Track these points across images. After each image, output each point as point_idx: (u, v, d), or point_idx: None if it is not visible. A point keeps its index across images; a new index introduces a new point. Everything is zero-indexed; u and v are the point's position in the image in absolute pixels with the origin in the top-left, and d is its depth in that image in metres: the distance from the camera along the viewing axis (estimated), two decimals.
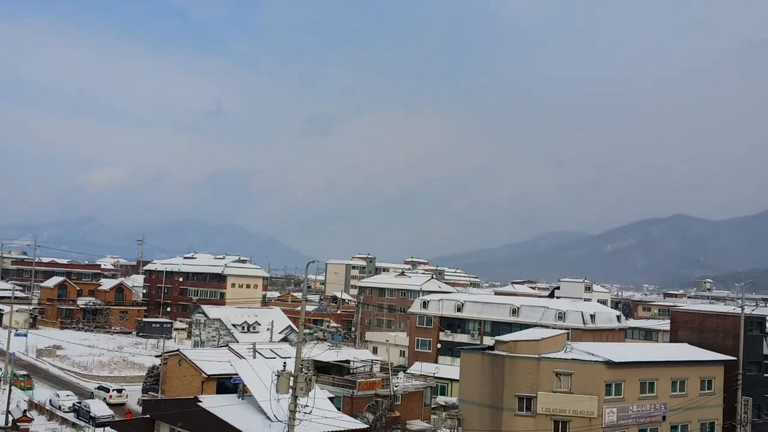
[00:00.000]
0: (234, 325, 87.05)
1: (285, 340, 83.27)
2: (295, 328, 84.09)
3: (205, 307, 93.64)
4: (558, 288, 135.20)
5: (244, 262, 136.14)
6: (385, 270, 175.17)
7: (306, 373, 33.46)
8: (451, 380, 71.65)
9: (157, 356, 69.24)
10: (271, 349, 64.12)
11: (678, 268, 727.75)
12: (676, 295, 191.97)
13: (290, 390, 32.99)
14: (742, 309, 60.33)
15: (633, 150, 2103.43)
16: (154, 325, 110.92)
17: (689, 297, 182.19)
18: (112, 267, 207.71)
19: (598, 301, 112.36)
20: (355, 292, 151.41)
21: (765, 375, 60.06)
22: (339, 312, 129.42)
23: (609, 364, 49.57)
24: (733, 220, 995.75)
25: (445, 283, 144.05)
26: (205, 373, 55.21)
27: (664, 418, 52.31)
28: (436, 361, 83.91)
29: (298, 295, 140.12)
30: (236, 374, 45.42)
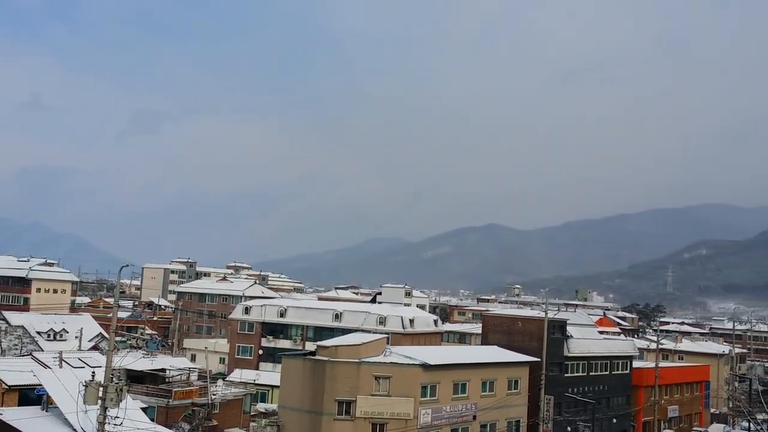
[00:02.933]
0: (39, 333, 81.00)
1: (96, 348, 78.57)
2: (107, 335, 79.68)
3: (7, 314, 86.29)
4: (380, 293, 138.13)
5: (51, 265, 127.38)
6: (207, 275, 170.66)
7: (117, 383, 32.30)
8: (273, 387, 70.93)
9: None
10: (80, 358, 60.16)
11: (491, 274, 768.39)
12: (488, 300, 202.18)
13: (99, 401, 31.53)
14: (546, 313, 64.76)
15: (454, 161, 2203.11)
16: None
17: (500, 302, 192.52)
18: None
19: (418, 306, 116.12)
20: (173, 297, 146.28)
21: (565, 375, 64.77)
22: (155, 318, 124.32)
23: (425, 366, 51.30)
24: (541, 230, 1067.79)
25: (269, 288, 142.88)
26: (6, 384, 50.84)
27: (474, 417, 54.90)
28: (257, 368, 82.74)
29: (111, 300, 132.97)
30: (40, 385, 42.40)
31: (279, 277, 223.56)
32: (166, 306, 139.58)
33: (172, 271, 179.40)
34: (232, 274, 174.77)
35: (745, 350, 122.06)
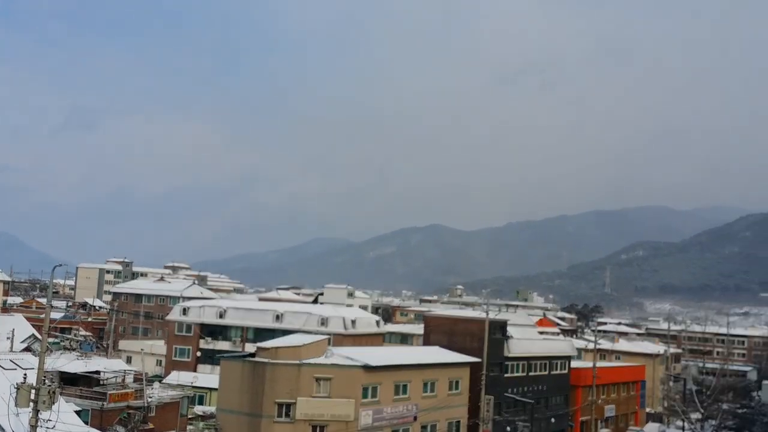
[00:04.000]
0: None
1: (28, 349, 75.69)
2: (39, 336, 77.08)
3: None
4: (322, 294, 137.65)
5: None
6: (143, 275, 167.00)
7: (50, 386, 31.52)
8: (211, 389, 69.77)
9: None
10: (11, 360, 57.92)
11: (434, 275, 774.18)
12: (431, 301, 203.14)
13: (31, 404, 30.83)
14: (487, 314, 65.20)
15: (397, 161, 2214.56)
16: None
17: (442, 302, 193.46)
18: None
19: (360, 307, 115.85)
20: (109, 298, 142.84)
21: (505, 375, 65.32)
22: (90, 320, 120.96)
23: (366, 368, 51.01)
24: (483, 231, 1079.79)
25: (208, 288, 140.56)
26: None
27: (415, 418, 54.85)
28: (195, 370, 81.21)
29: (44, 300, 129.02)
30: None
31: (218, 278, 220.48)
32: (101, 307, 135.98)
33: (108, 271, 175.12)
34: (169, 274, 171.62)
35: (679, 350, 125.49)
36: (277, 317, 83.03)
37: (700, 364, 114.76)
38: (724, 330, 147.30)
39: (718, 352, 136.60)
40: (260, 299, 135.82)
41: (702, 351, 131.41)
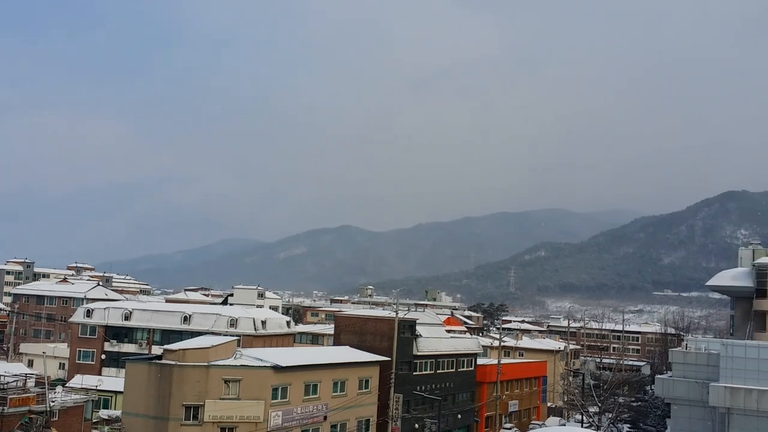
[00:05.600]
0: None
1: None
2: None
3: None
4: (232, 295, 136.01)
5: None
6: (46, 276, 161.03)
7: None
8: (116, 393, 68.21)
9: None
10: None
11: (345, 275, 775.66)
12: (341, 301, 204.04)
13: None
14: (396, 313, 66.34)
15: (309, 162, 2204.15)
16: None
17: (353, 302, 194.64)
18: None
19: (271, 308, 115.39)
20: (9, 299, 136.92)
21: (414, 373, 66.62)
22: None
23: (276, 368, 51.17)
24: (393, 232, 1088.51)
25: (113, 290, 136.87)
26: None
27: (325, 417, 55.36)
28: (100, 373, 79.17)
29: None
30: None
31: (124, 279, 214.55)
32: (0, 309, 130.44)
33: (8, 272, 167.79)
34: (73, 275, 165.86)
35: (579, 347, 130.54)
36: (185, 319, 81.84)
37: (598, 360, 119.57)
38: (619, 327, 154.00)
39: (614, 348, 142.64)
40: (167, 301, 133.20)
41: (599, 347, 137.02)
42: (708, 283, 72.25)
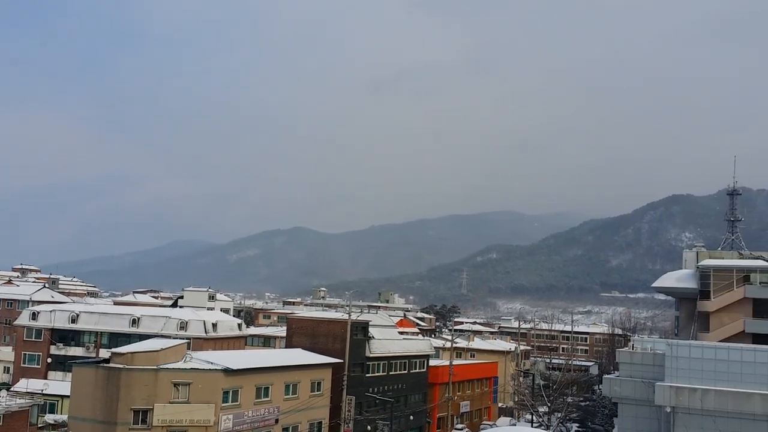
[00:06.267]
0: None
1: None
2: None
3: None
4: (182, 297, 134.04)
5: None
6: None
7: None
8: (63, 397, 66.84)
9: None
10: None
11: (298, 277, 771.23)
12: (294, 303, 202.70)
13: None
14: (349, 315, 66.29)
15: (262, 164, 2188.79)
16: None
17: (306, 304, 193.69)
18: None
19: (222, 310, 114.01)
20: None
21: (367, 375, 66.65)
22: None
23: (227, 371, 50.67)
24: (346, 234, 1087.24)
25: (60, 292, 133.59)
26: None
27: (276, 421, 55.02)
28: (46, 377, 77.57)
29: None
30: None
31: (71, 281, 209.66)
32: None
33: None
34: (18, 277, 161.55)
35: (529, 347, 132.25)
36: (134, 322, 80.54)
37: (548, 360, 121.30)
38: (568, 328, 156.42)
39: (563, 349, 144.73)
40: (116, 303, 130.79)
41: (549, 348, 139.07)
42: (654, 285, 73.95)
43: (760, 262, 66.99)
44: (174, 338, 63.08)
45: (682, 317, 71.22)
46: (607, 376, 52.24)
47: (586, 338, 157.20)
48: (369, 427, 64.83)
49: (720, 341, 57.32)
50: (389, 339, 72.32)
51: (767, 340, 60.27)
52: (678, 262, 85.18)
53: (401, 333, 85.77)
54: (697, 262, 69.41)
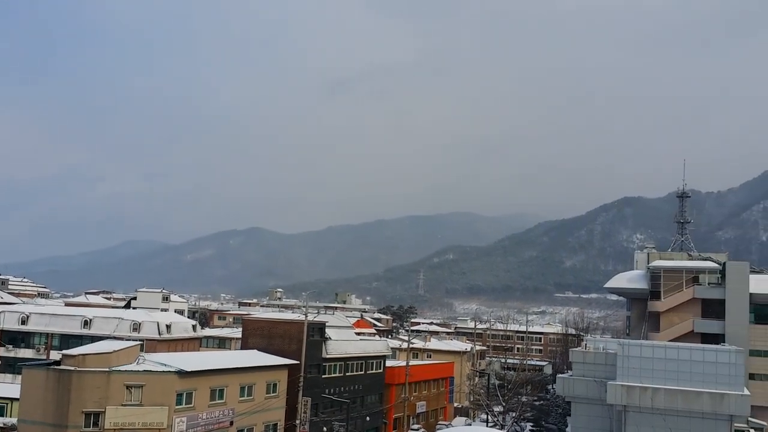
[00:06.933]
0: None
1: None
2: None
3: None
4: (135, 298, 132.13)
5: None
6: None
7: None
8: (12, 400, 65.12)
9: None
10: None
11: (254, 278, 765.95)
12: (250, 304, 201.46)
13: None
14: (306, 316, 66.02)
15: (218, 164, 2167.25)
16: None
17: (262, 305, 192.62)
18: None
19: (176, 311, 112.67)
20: None
21: (323, 376, 66.42)
22: None
23: (181, 373, 50.05)
24: (304, 234, 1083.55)
25: (9, 293, 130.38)
26: None
27: (231, 423, 54.51)
28: None
29: None
30: None
31: (21, 281, 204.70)
32: None
33: None
34: None
35: (484, 347, 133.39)
36: (86, 323, 79.12)
37: (503, 360, 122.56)
38: (523, 328, 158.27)
39: (518, 349, 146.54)
40: (67, 304, 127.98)
41: (504, 348, 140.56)
42: (606, 285, 75.27)
43: (709, 264, 68.75)
44: (127, 340, 62.09)
45: (634, 317, 72.64)
46: (560, 375, 53.00)
47: (540, 338, 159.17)
48: (325, 429, 64.66)
49: (670, 341, 58.64)
50: (346, 340, 72.20)
51: (716, 339, 61.86)
52: (630, 263, 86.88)
53: (358, 334, 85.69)
54: (648, 263, 70.89)
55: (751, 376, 61.79)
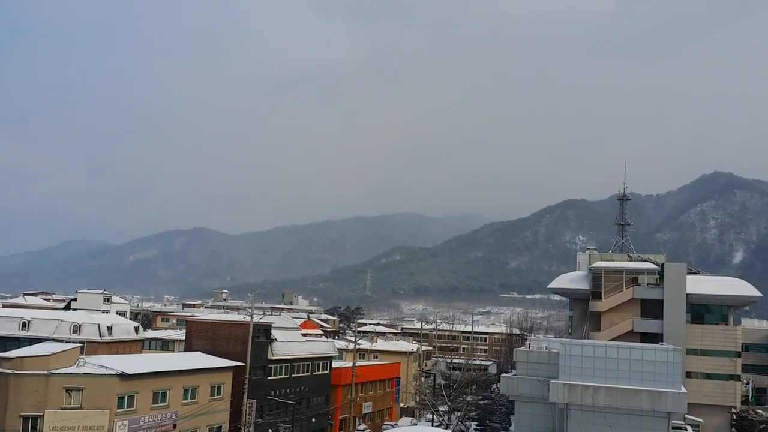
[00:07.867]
0: None
1: None
2: None
3: None
4: (75, 300, 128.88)
5: None
6: None
7: None
8: None
9: None
10: None
11: (198, 279, 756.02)
12: (194, 306, 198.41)
13: None
14: (251, 317, 65.48)
15: (162, 163, 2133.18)
16: None
17: (206, 307, 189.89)
18: None
19: (118, 313, 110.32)
20: None
21: (269, 378, 65.97)
22: None
23: (122, 376, 49.17)
24: (249, 235, 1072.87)
25: None
26: None
27: (174, 426, 53.72)
28: None
29: None
30: None
31: None
32: None
33: None
34: None
35: (431, 348, 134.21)
36: (24, 325, 77.01)
37: (449, 360, 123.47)
38: (469, 328, 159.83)
39: (463, 349, 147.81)
40: (4, 306, 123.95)
41: (450, 348, 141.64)
42: (549, 286, 76.61)
43: (648, 265, 70.63)
44: (67, 342, 60.63)
45: (576, 317, 74.12)
46: (505, 374, 53.70)
47: (485, 338, 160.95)
48: (270, 431, 64.22)
49: (611, 340, 60.02)
50: (292, 341, 71.87)
51: (655, 338, 63.58)
52: (572, 264, 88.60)
53: (304, 335, 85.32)
54: (590, 264, 72.43)
55: (688, 375, 63.71)
